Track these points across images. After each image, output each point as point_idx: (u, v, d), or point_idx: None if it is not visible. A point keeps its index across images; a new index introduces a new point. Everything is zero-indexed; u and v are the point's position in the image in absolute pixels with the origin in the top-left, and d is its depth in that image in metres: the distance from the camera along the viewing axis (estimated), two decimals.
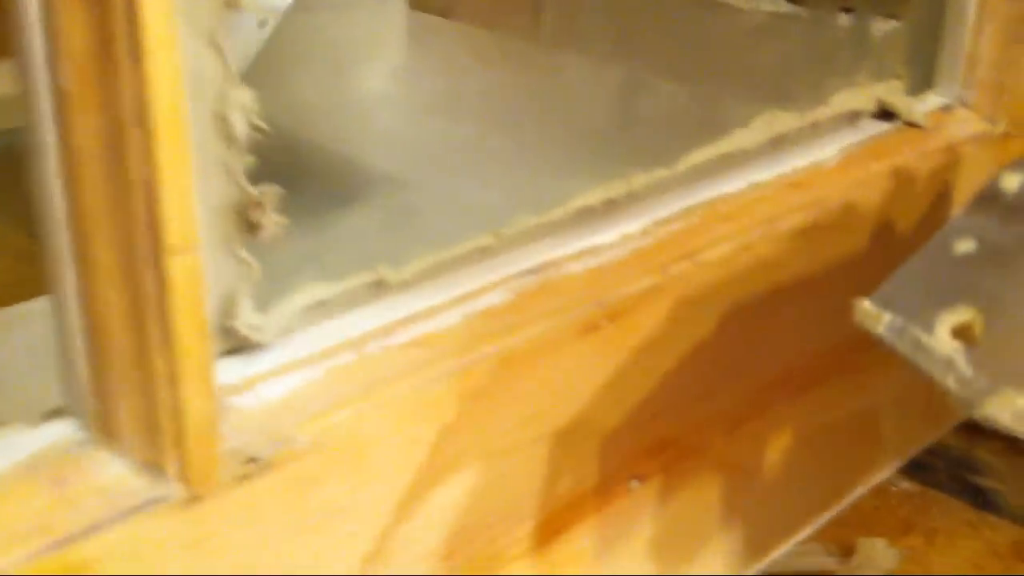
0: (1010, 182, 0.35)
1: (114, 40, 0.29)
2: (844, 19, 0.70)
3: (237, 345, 0.38)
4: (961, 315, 0.30)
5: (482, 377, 0.41)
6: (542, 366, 0.43)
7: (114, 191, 0.30)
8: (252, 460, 0.35)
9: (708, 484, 0.52)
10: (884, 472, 0.63)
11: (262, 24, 0.34)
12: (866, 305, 0.32)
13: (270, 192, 0.36)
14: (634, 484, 0.48)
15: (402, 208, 0.55)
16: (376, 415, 0.38)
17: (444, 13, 0.90)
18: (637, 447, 0.48)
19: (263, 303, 0.38)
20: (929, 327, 0.30)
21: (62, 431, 0.34)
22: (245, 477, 0.34)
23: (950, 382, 0.30)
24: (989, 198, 0.35)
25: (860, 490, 0.61)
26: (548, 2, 0.86)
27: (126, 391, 0.32)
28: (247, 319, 0.37)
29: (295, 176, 0.38)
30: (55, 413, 0.35)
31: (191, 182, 0.30)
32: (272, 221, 0.36)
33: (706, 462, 0.52)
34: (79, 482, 0.32)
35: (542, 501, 0.45)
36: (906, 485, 0.81)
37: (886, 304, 0.31)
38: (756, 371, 0.53)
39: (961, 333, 0.30)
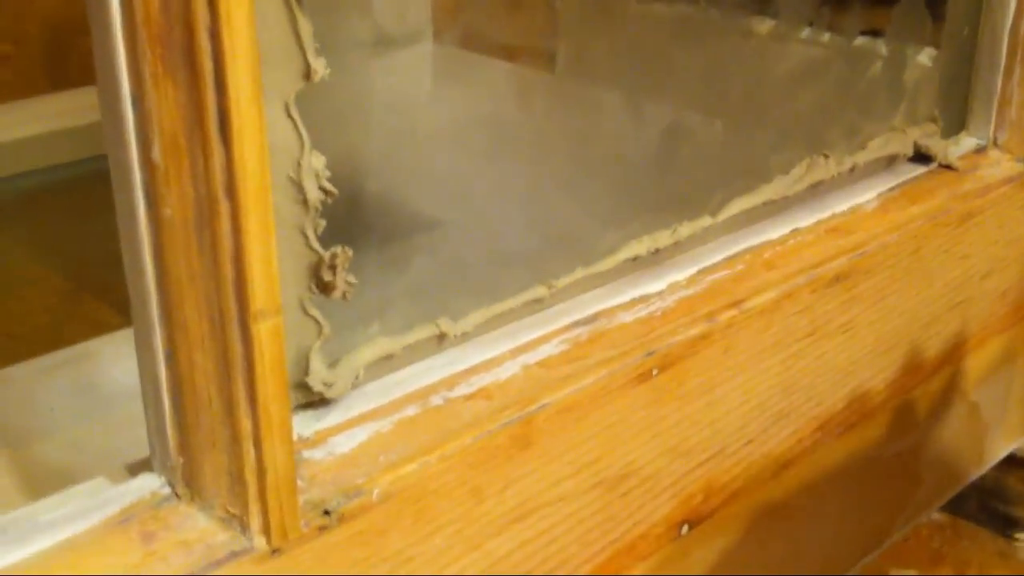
0: None
1: (204, 118, 0.30)
2: (875, 50, 0.71)
3: (309, 400, 0.39)
4: None
5: (541, 426, 0.42)
6: (597, 415, 0.44)
7: (203, 259, 0.32)
8: (327, 512, 0.36)
9: (755, 527, 0.53)
10: (924, 512, 0.64)
11: None
12: None
13: (342, 253, 0.37)
14: (685, 529, 0.49)
15: (448, 253, 0.57)
16: (441, 466, 0.39)
17: (465, 44, 0.92)
18: (688, 492, 0.49)
19: (330, 357, 0.40)
20: None
21: (147, 485, 0.36)
22: (321, 528, 0.35)
23: None
24: None
25: (901, 531, 0.61)
26: (572, 33, 0.87)
27: (211, 448, 0.34)
28: (319, 375, 0.38)
29: (343, 225, 0.40)
30: (138, 467, 0.37)
31: (275, 250, 0.32)
32: (343, 281, 0.37)
33: (754, 505, 0.53)
34: (167, 536, 0.34)
35: (597, 547, 0.46)
36: (937, 516, 0.81)
37: None
38: (802, 414, 0.54)
39: None
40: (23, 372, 0.62)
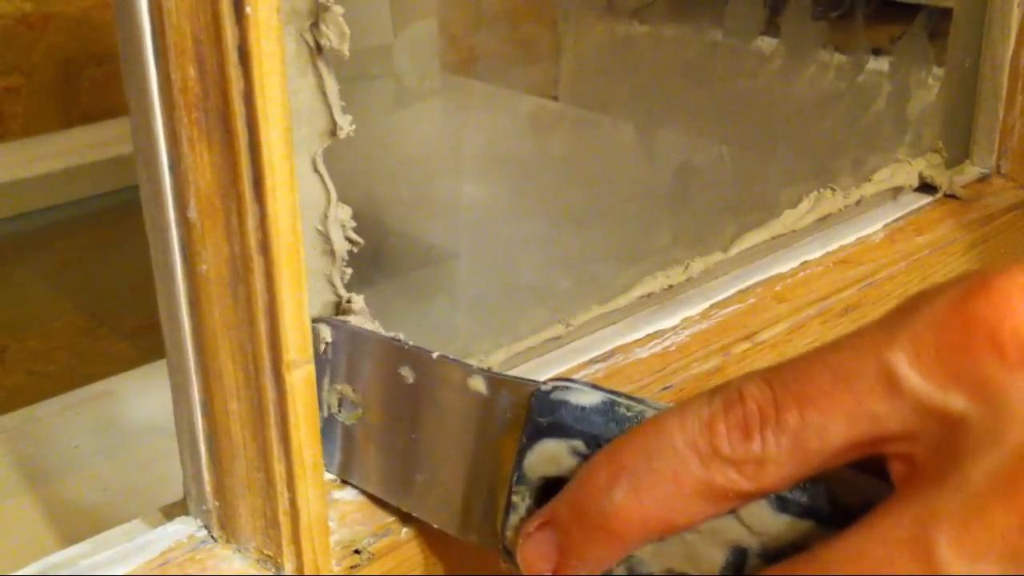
0: None
1: (238, 179, 0.31)
2: (879, 84, 0.72)
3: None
4: None
5: None
6: None
7: (237, 312, 0.33)
8: (358, 552, 0.37)
9: None
10: None
11: None
12: None
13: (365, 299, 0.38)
14: None
15: (468, 294, 0.58)
16: None
17: (468, 72, 0.93)
18: None
19: None
20: None
21: (184, 529, 0.37)
22: (353, 567, 0.37)
23: None
24: None
25: None
26: (574, 62, 0.88)
27: (246, 492, 0.35)
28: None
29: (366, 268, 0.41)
30: (173, 510, 0.38)
31: (307, 301, 0.33)
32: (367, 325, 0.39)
33: None
34: None
35: None
36: None
37: None
38: None
39: None
40: (47, 410, 0.63)
